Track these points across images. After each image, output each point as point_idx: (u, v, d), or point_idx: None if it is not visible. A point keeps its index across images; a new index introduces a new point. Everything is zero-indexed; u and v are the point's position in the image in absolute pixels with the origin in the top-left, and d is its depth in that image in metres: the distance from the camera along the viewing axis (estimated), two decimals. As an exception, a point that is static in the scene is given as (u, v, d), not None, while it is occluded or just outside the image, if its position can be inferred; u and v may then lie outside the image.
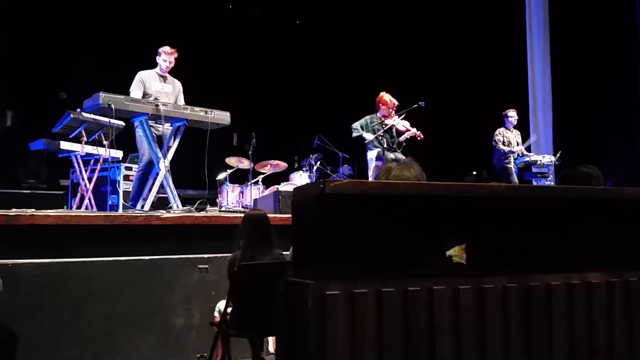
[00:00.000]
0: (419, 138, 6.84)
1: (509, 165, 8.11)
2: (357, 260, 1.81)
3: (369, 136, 6.82)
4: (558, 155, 8.24)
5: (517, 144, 8.34)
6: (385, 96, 7.01)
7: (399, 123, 6.87)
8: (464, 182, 2.11)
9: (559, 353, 2.00)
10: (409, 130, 6.83)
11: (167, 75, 6.02)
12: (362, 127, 6.96)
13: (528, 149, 8.54)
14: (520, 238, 2.03)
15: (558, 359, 2.00)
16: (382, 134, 6.77)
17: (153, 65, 6.00)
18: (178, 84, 6.13)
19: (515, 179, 8.08)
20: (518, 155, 8.23)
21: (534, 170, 8.26)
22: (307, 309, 1.75)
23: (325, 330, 1.73)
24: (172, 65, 5.97)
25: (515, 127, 8.39)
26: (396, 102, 6.99)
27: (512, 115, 8.30)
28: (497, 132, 8.24)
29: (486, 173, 9.65)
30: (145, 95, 5.76)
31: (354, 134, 6.97)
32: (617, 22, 9.35)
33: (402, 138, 6.88)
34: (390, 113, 6.96)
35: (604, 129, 9.36)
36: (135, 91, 5.75)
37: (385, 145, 6.80)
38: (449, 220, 1.95)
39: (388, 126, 6.84)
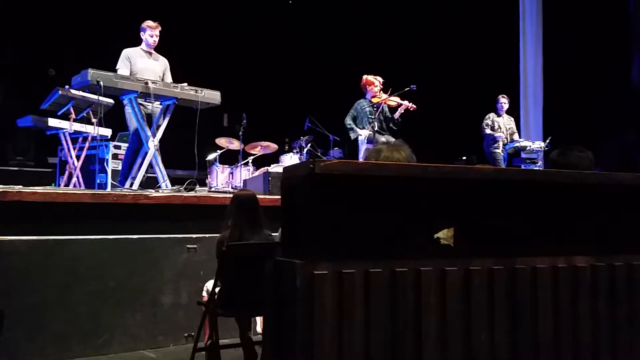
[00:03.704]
0: (411, 109, 6.79)
1: (497, 151, 8.20)
2: (346, 240, 1.82)
3: (364, 132, 6.79)
4: (548, 141, 8.29)
5: (507, 130, 8.40)
6: (369, 77, 6.99)
7: (389, 99, 6.83)
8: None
9: (543, 334, 2.03)
10: (401, 104, 6.79)
11: (153, 51, 5.96)
12: (354, 120, 6.96)
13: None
14: (508, 221, 2.05)
15: (542, 340, 2.02)
16: (373, 117, 6.75)
17: (141, 42, 5.94)
18: (164, 61, 6.06)
19: (503, 164, 8.13)
20: (504, 142, 8.28)
21: (523, 155, 8.31)
22: (295, 288, 1.75)
23: (313, 310, 1.74)
24: (158, 39, 5.90)
25: (507, 112, 8.46)
26: (381, 79, 6.97)
27: (503, 101, 8.37)
28: (486, 117, 8.35)
29: (476, 158, 9.67)
30: (131, 72, 5.69)
31: (352, 135, 6.96)
32: (610, 6, 9.33)
33: (396, 114, 6.84)
34: (377, 92, 6.93)
35: (595, 115, 9.37)
36: (122, 69, 5.68)
37: (377, 127, 6.78)
38: (437, 202, 1.96)
39: (380, 105, 6.81)
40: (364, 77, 7.04)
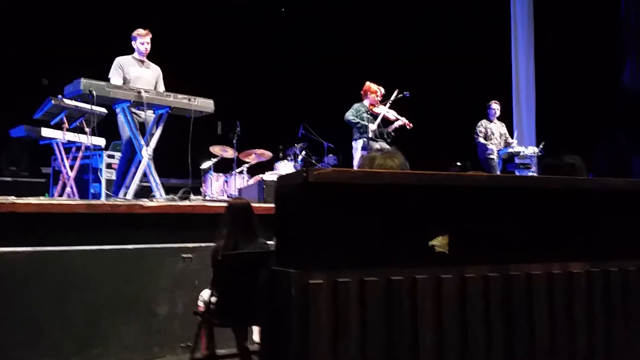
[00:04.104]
0: (408, 127, 6.86)
1: (492, 157, 8.20)
2: (340, 249, 1.82)
3: (372, 126, 6.80)
4: (541, 146, 8.31)
5: (501, 135, 8.42)
6: (373, 85, 7.05)
7: (389, 112, 6.90)
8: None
9: (539, 340, 2.03)
10: (398, 119, 6.85)
11: (145, 59, 5.94)
12: (354, 117, 6.98)
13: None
14: (502, 228, 2.05)
15: (538, 346, 2.02)
16: (367, 124, 6.78)
17: (134, 50, 5.93)
18: (157, 69, 6.04)
19: (497, 170, 8.15)
20: (498, 148, 8.30)
21: (517, 161, 8.32)
22: (291, 297, 1.75)
23: (308, 319, 1.74)
24: (149, 47, 5.89)
25: (499, 118, 8.48)
26: (383, 90, 7.04)
27: (495, 107, 8.38)
28: (478, 124, 8.34)
29: (470, 164, 9.70)
30: (124, 81, 5.68)
31: (358, 125, 6.90)
32: (602, 11, 9.39)
33: (391, 128, 6.91)
34: (377, 102, 6.99)
35: (588, 120, 9.42)
36: (115, 77, 5.67)
37: (371, 135, 6.81)
38: (431, 209, 1.96)
39: (379, 115, 6.84)
40: (368, 83, 7.11)
